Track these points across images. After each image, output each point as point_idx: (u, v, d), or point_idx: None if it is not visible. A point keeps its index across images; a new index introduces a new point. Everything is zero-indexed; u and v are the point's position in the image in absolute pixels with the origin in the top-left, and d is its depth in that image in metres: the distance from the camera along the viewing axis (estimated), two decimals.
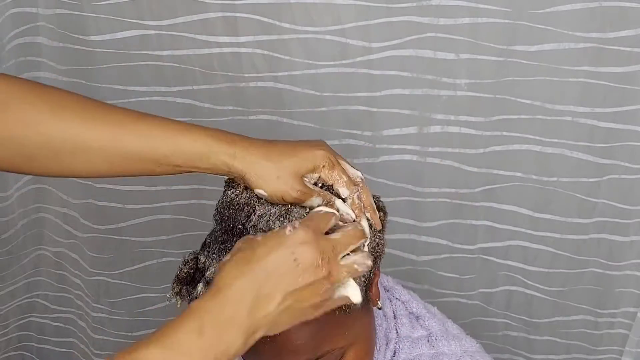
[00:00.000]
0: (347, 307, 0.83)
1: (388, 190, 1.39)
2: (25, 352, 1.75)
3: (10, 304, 1.66)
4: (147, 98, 1.37)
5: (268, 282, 0.73)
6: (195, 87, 1.35)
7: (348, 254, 0.80)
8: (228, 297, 0.73)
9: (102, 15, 1.30)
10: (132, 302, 1.62)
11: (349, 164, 0.92)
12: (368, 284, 0.87)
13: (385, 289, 1.05)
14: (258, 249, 0.75)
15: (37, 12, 1.33)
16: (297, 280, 0.74)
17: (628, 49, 1.19)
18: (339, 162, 0.90)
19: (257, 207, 0.85)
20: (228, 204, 0.87)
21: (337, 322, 0.83)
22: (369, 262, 0.80)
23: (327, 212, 0.82)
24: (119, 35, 1.31)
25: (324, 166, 0.88)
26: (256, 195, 0.87)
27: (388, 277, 1.07)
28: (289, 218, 0.84)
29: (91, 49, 1.33)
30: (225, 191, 0.89)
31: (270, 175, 0.85)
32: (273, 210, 0.84)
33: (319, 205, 0.85)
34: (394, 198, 1.40)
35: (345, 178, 0.89)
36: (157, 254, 1.57)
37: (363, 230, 0.82)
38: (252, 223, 0.84)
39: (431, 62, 1.26)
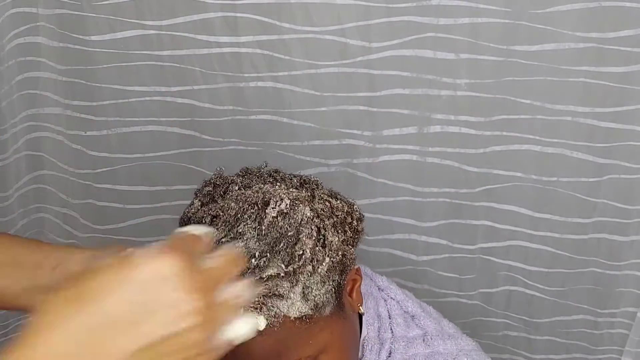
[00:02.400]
0: (307, 317, 0.81)
1: (388, 190, 1.39)
2: None
3: None
4: (147, 98, 1.37)
5: (108, 333, 0.50)
6: (195, 87, 1.35)
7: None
8: (51, 344, 0.50)
9: (102, 15, 1.30)
10: None
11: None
12: (339, 288, 0.86)
13: (379, 288, 1.05)
14: (95, 282, 0.51)
15: (37, 12, 1.33)
16: (154, 332, 0.51)
17: (628, 49, 1.19)
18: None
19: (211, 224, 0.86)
20: (185, 221, 0.91)
21: (299, 333, 0.82)
22: (251, 292, 0.61)
23: (193, 234, 0.60)
24: (119, 35, 1.31)
25: None
26: (212, 212, 0.86)
27: (383, 277, 1.07)
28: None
29: (91, 49, 1.33)
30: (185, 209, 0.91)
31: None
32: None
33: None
34: (394, 198, 1.40)
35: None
36: None
37: (238, 253, 0.63)
38: None
39: (431, 62, 1.26)
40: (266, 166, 0.94)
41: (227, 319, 0.58)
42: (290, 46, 1.28)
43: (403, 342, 0.99)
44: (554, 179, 1.33)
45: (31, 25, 1.34)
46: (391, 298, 1.04)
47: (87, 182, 1.48)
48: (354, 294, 0.92)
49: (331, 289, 0.85)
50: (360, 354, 0.97)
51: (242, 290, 0.59)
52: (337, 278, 0.86)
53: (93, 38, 1.32)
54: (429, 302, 1.09)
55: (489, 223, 1.41)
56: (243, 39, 1.28)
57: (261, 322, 0.77)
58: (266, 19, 1.26)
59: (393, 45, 1.25)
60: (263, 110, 1.36)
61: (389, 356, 0.98)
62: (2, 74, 1.37)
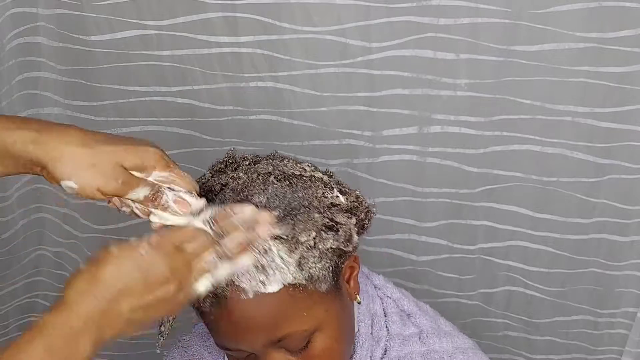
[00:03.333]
0: (301, 286, 0.84)
1: (388, 190, 1.39)
2: None
3: (10, 304, 1.65)
4: (147, 98, 1.38)
5: (116, 299, 0.73)
6: (195, 87, 1.35)
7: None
8: (76, 313, 0.72)
9: (102, 15, 1.30)
10: None
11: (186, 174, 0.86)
12: (336, 269, 0.88)
13: (375, 287, 1.05)
14: (107, 266, 0.74)
15: (37, 12, 1.33)
16: (147, 297, 0.74)
17: (628, 49, 1.19)
18: (175, 165, 0.84)
19: None
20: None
21: (295, 302, 0.84)
22: (213, 257, 0.80)
23: (185, 229, 0.80)
24: (119, 35, 1.31)
25: (155, 166, 0.81)
26: (221, 181, 0.87)
27: (379, 275, 1.07)
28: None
29: (91, 49, 1.33)
30: None
31: (83, 163, 0.77)
32: None
33: (145, 197, 0.82)
34: (394, 198, 1.40)
35: (185, 181, 0.84)
36: None
37: (210, 236, 0.80)
38: None
39: (431, 62, 1.26)
40: (276, 153, 0.98)
41: (195, 281, 0.79)
42: (290, 46, 1.28)
43: (399, 339, 1.00)
44: (554, 179, 1.33)
45: (31, 25, 1.34)
46: (387, 296, 1.04)
47: None
48: (352, 282, 0.93)
49: (328, 267, 0.87)
50: (351, 350, 0.97)
51: (206, 259, 0.79)
52: (335, 259, 0.88)
53: (93, 38, 1.32)
54: (429, 303, 1.09)
55: (489, 223, 1.41)
56: (243, 39, 1.28)
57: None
58: (266, 19, 1.26)
59: (393, 45, 1.25)
60: (263, 110, 1.36)
61: (385, 354, 0.98)
62: (2, 74, 1.37)
